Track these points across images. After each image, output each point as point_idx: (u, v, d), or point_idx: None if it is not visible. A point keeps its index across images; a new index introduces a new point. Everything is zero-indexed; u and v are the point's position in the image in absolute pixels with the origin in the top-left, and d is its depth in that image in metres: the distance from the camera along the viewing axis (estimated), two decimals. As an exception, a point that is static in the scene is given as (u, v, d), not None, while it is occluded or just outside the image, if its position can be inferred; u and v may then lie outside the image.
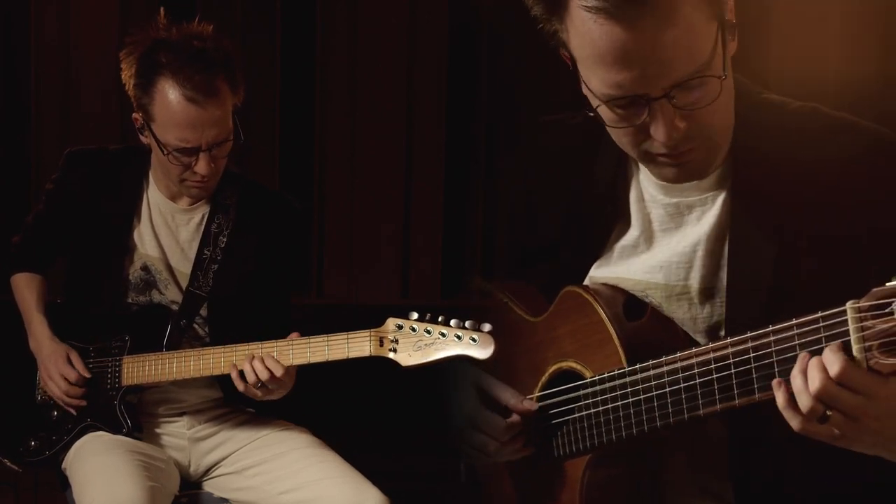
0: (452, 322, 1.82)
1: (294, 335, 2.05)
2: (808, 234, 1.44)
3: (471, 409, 1.68)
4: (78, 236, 2.26)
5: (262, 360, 2.03)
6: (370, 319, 1.94)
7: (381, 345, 1.91)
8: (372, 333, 1.92)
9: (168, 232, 2.26)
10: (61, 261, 2.35)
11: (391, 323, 1.90)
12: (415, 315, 1.88)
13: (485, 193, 4.02)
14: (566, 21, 1.38)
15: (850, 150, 1.44)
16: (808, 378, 1.25)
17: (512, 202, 1.84)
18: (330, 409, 3.06)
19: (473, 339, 1.77)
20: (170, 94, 2.06)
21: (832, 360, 1.23)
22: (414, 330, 1.88)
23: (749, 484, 1.50)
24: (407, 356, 1.88)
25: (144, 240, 2.25)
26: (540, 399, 1.66)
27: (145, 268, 2.25)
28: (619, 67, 1.34)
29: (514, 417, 1.64)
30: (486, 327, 1.75)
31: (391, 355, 1.89)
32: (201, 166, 2.11)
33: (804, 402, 1.26)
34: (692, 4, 1.32)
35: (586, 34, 1.35)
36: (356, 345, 1.93)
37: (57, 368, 2.19)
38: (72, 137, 3.74)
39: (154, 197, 2.26)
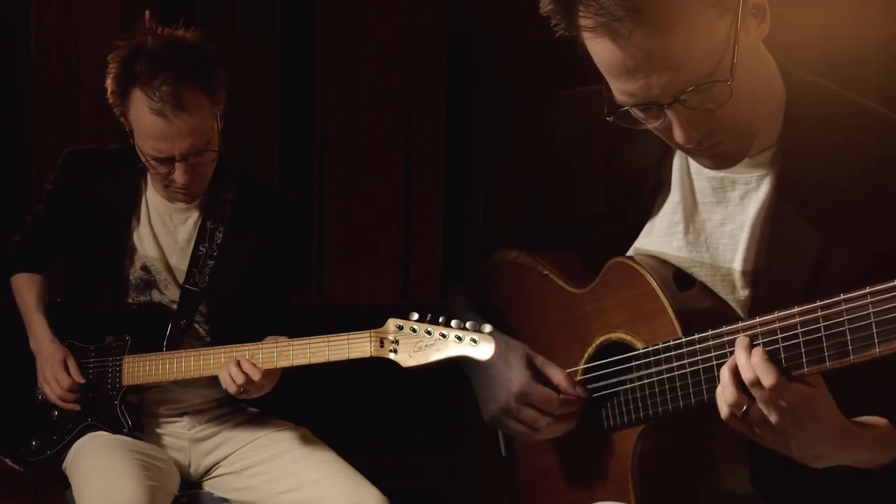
0: (453, 323, 1.82)
1: (281, 339, 2.06)
2: (851, 225, 1.44)
3: (523, 382, 1.66)
4: (77, 236, 2.26)
5: (239, 365, 2.04)
6: (370, 319, 1.94)
7: (382, 346, 1.91)
8: (372, 334, 1.92)
9: (167, 232, 2.26)
10: (61, 260, 2.35)
11: (391, 324, 1.90)
12: (415, 316, 1.88)
13: (485, 193, 4.02)
14: (578, 34, 1.40)
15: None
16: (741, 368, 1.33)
17: (534, 178, 1.81)
18: (330, 409, 3.06)
19: (474, 340, 1.77)
20: (141, 105, 2.06)
21: (766, 372, 1.31)
22: (414, 331, 1.87)
23: (766, 469, 1.52)
24: (407, 357, 1.88)
25: (144, 240, 2.25)
26: (588, 371, 1.64)
27: (145, 268, 2.25)
28: (624, 79, 1.36)
29: (570, 392, 1.63)
30: (487, 328, 1.75)
31: (391, 356, 1.89)
32: (178, 175, 2.11)
33: (729, 394, 1.34)
34: (699, 4, 1.31)
35: (590, 48, 1.37)
36: (357, 346, 1.93)
37: (53, 373, 2.19)
38: (72, 137, 3.73)
39: (152, 198, 2.26)
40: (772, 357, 1.33)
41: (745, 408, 1.34)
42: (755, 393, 1.33)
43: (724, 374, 1.36)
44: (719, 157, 1.48)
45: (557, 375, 1.65)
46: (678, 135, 1.40)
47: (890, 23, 3.34)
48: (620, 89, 1.38)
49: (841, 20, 3.23)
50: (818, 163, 1.46)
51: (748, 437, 1.38)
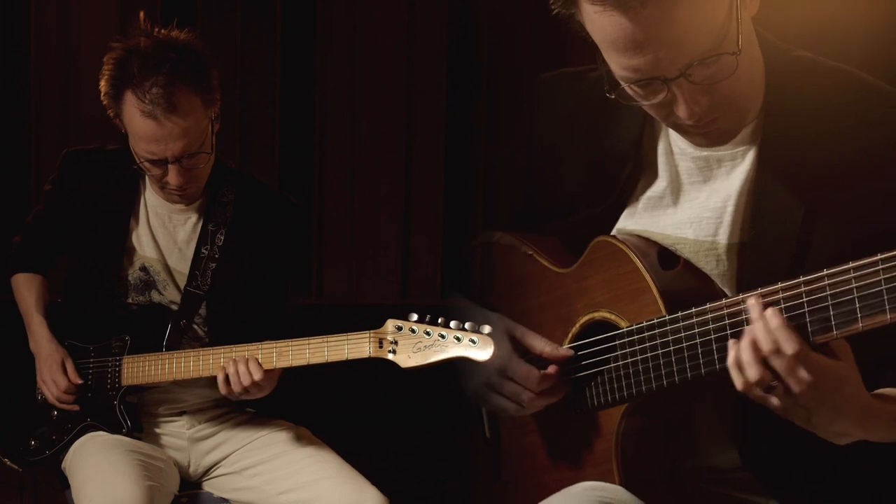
0: (452, 323, 1.81)
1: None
2: (835, 194, 1.44)
3: (504, 356, 1.66)
4: (76, 237, 2.26)
5: (247, 364, 2.04)
6: (370, 319, 1.94)
7: (381, 346, 1.90)
8: (371, 335, 1.91)
9: (165, 233, 2.26)
10: (62, 260, 2.35)
11: (390, 324, 1.90)
12: (414, 316, 1.87)
13: (485, 193, 4.03)
14: (579, 9, 1.39)
15: (879, 116, 1.45)
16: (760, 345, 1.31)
17: (521, 160, 1.81)
18: (330, 409, 3.07)
19: (473, 341, 1.76)
20: (132, 108, 2.05)
21: (788, 339, 1.28)
22: (413, 331, 1.87)
23: (754, 443, 1.52)
24: (406, 357, 1.87)
25: (142, 241, 2.25)
26: (573, 350, 1.64)
27: (144, 269, 2.25)
28: (631, 54, 1.35)
29: (551, 367, 1.62)
30: (486, 329, 1.74)
31: (390, 357, 1.89)
32: (172, 177, 2.10)
33: (752, 372, 1.32)
34: None
35: (595, 23, 1.37)
36: (355, 346, 1.93)
37: (51, 374, 2.19)
38: (72, 137, 3.75)
39: (151, 198, 2.26)
40: (794, 321, 1.30)
41: (768, 382, 1.32)
42: (775, 363, 1.31)
43: (745, 350, 1.33)
44: (715, 133, 1.48)
45: (539, 343, 1.64)
46: (682, 110, 1.40)
47: (875, 10, 3.33)
48: (626, 65, 1.37)
49: (826, 8, 3.23)
50: (799, 132, 1.46)
51: (766, 406, 1.36)
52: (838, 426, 1.35)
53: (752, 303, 1.34)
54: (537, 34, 3.88)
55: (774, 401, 1.34)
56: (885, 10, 3.37)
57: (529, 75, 3.89)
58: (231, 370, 2.05)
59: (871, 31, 3.34)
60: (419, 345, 1.86)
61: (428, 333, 1.85)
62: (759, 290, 1.35)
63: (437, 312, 1.86)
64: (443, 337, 1.82)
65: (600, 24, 1.36)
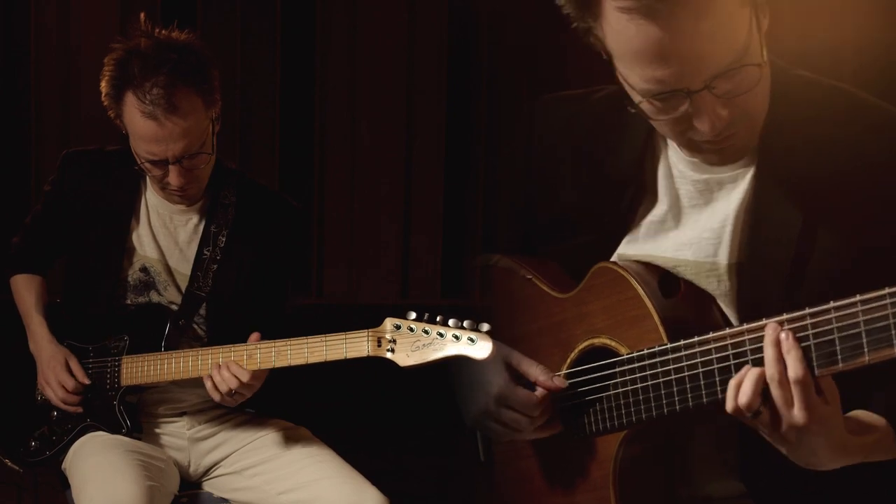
0: (450, 322, 1.81)
1: (255, 336, 2.07)
2: (831, 210, 1.44)
3: (501, 385, 1.66)
4: (76, 237, 2.26)
5: (228, 368, 2.04)
6: (370, 319, 1.94)
7: (379, 345, 1.90)
8: (370, 333, 1.91)
9: (167, 233, 2.26)
10: (61, 260, 2.35)
11: (389, 323, 1.90)
12: (413, 315, 1.87)
13: (485, 193, 4.03)
14: (600, 19, 1.38)
15: (874, 132, 1.46)
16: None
17: (522, 180, 1.81)
18: (330, 409, 3.07)
19: (472, 339, 1.76)
20: (133, 108, 2.05)
21: (798, 362, 1.29)
22: (412, 330, 1.87)
23: (757, 471, 1.52)
24: (405, 356, 1.87)
25: (143, 241, 2.25)
26: (571, 375, 1.63)
27: (144, 269, 2.25)
28: (657, 65, 1.35)
29: (544, 392, 1.62)
30: (485, 327, 1.74)
31: (389, 355, 1.88)
32: (173, 178, 2.10)
33: (745, 396, 1.33)
34: None
35: (622, 33, 1.35)
36: (354, 345, 1.93)
37: (55, 375, 2.19)
38: (72, 138, 3.75)
39: (152, 199, 2.26)
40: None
41: (755, 409, 1.34)
42: (775, 392, 1.32)
43: (751, 374, 1.34)
44: (729, 150, 1.48)
45: (534, 370, 1.64)
46: (704, 124, 1.40)
47: (867, 23, 3.34)
48: (650, 76, 1.37)
49: (818, 20, 3.23)
50: (795, 149, 1.46)
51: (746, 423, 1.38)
52: (812, 459, 1.37)
53: (771, 325, 1.33)
54: (537, 34, 3.88)
55: (760, 426, 1.36)
56: (877, 23, 3.37)
57: (529, 76, 3.90)
58: (217, 378, 2.05)
59: (863, 41, 3.35)
60: (417, 343, 1.85)
61: (426, 332, 1.84)
62: (764, 321, 1.35)
63: (435, 312, 1.86)
64: (441, 335, 1.82)
65: (627, 35, 1.35)
